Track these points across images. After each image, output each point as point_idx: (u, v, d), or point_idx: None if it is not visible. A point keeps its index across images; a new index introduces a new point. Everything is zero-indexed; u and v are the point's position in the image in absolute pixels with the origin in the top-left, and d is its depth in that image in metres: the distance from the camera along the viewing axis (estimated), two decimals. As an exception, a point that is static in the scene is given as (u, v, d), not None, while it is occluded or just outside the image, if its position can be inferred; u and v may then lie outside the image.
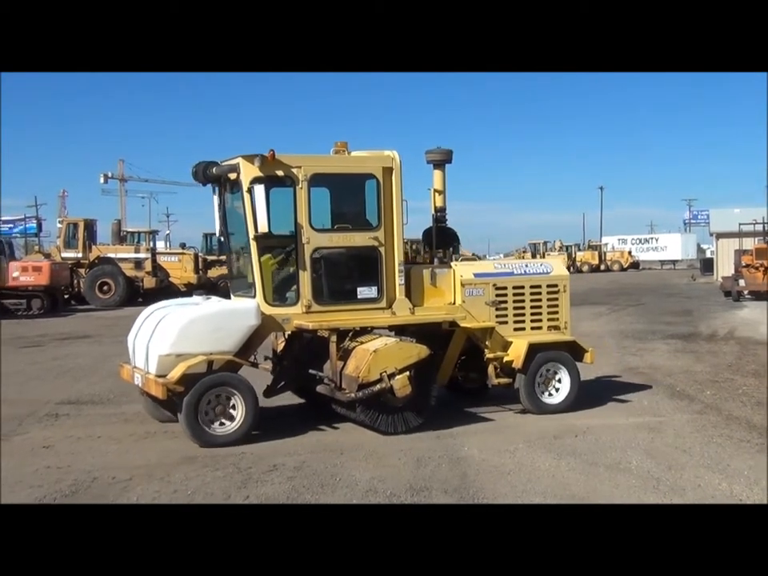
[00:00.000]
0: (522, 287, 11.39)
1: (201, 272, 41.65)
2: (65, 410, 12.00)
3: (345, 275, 10.75)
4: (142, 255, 39.82)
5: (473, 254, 72.85)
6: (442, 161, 11.68)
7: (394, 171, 10.56)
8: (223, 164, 10.32)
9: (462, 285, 11.05)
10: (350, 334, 10.35)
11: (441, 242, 11.74)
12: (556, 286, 11.60)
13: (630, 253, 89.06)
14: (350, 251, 10.65)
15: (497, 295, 11.19)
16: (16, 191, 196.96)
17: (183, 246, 45.80)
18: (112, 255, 39.33)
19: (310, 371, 10.59)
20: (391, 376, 9.83)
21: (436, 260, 11.55)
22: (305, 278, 10.18)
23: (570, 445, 9.61)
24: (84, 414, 11.60)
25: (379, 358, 9.86)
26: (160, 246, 47.42)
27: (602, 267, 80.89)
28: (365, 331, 10.53)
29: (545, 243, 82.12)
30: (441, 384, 11.35)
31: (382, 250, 10.47)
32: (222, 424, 9.67)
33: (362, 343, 10.16)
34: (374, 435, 10.00)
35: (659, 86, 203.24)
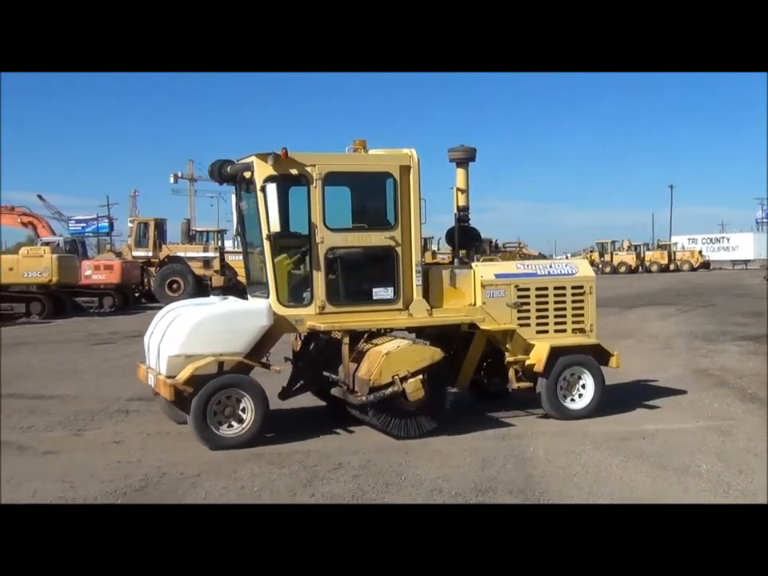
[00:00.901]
0: (546, 288, 10.99)
1: None
2: (135, 406, 12.12)
3: (360, 276, 10.46)
4: (210, 254, 40.16)
5: (539, 254, 72.18)
6: (464, 159, 11.36)
7: (411, 170, 10.26)
8: (238, 163, 10.17)
9: (483, 286, 10.70)
10: (366, 336, 10.12)
11: (463, 241, 11.44)
12: (581, 287, 11.17)
13: (700, 252, 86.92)
14: (366, 251, 10.36)
15: (519, 297, 10.82)
16: (89, 191, 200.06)
17: None
18: (181, 254, 39.86)
19: (324, 373, 10.39)
20: (404, 379, 9.55)
21: (456, 260, 11.28)
22: (319, 279, 9.95)
23: (637, 447, 9.35)
24: (154, 411, 11.53)
25: (391, 360, 9.59)
26: (228, 245, 47.59)
27: (672, 267, 79.17)
28: (381, 333, 10.29)
29: (613, 243, 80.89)
30: (462, 387, 11.08)
31: (398, 249, 10.18)
32: (230, 426, 9.49)
33: (375, 345, 9.92)
34: (441, 434, 9.88)
35: (729, 85, 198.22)
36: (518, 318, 10.82)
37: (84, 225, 72.11)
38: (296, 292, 10.20)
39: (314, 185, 9.86)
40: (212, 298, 10.74)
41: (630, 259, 78.87)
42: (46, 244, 35.66)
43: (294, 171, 9.87)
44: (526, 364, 10.69)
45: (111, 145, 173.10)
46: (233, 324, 9.69)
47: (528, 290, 10.90)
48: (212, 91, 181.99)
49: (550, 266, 11.25)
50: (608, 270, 76.63)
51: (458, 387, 11.08)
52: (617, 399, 11.57)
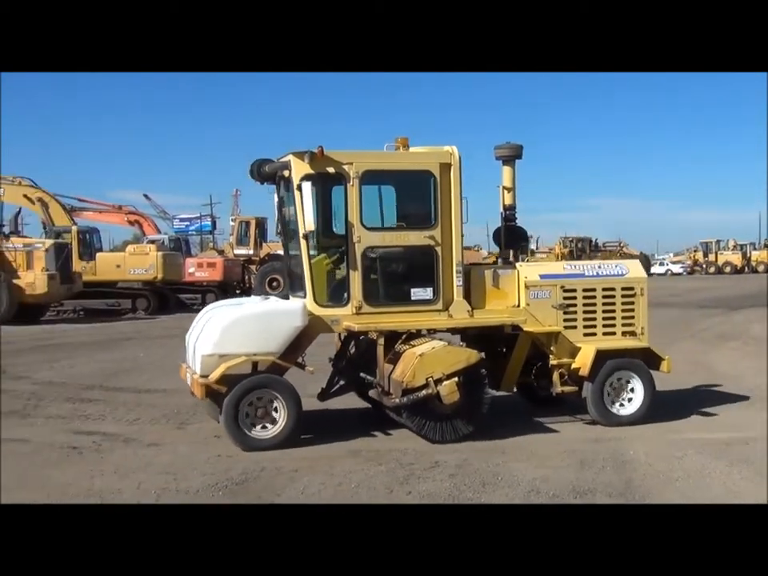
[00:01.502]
0: (594, 290, 10.55)
1: None
2: None
3: (398, 275, 10.21)
4: None
5: (640, 253, 70.46)
6: (511, 156, 11.01)
7: (452, 167, 9.97)
8: (276, 162, 10.09)
9: (527, 287, 10.34)
10: (404, 337, 9.92)
11: (509, 241, 11.12)
12: (632, 288, 10.68)
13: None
14: (404, 251, 10.11)
15: (565, 298, 10.44)
16: (193, 190, 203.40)
17: None
18: (281, 252, 39.81)
19: (361, 374, 10.22)
20: (438, 382, 9.31)
21: (500, 260, 10.98)
22: (355, 278, 9.76)
23: (742, 452, 9.02)
24: None
25: (425, 362, 9.35)
26: None
27: (779, 267, 76.57)
28: (420, 334, 10.07)
29: (717, 242, 78.67)
30: (507, 390, 10.79)
31: (438, 249, 9.91)
32: (264, 427, 9.38)
33: (412, 346, 9.70)
34: (538, 435, 9.88)
35: None
36: (564, 320, 10.42)
37: (188, 223, 73.42)
38: (333, 292, 10.06)
39: (351, 183, 9.69)
40: (252, 298, 10.66)
41: (736, 259, 76.65)
42: (152, 242, 36.31)
43: (331, 170, 9.72)
44: (571, 367, 10.34)
45: (214, 145, 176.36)
46: (267, 324, 9.58)
47: (575, 291, 10.49)
48: (312, 91, 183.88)
49: (599, 267, 10.78)
50: (712, 270, 74.63)
51: (503, 390, 10.80)
52: (722, 403, 11.40)
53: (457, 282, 10.04)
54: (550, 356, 10.33)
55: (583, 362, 10.23)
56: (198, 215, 70.93)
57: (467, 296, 10.20)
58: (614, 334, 10.61)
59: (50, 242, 28.99)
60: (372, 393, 10.08)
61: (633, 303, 10.68)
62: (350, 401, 11.12)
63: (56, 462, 9.05)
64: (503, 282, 10.40)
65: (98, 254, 32.49)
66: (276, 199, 10.63)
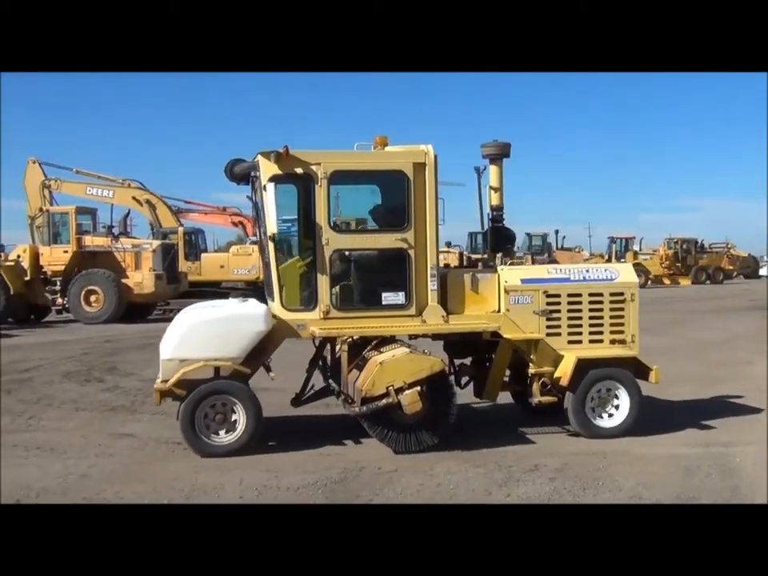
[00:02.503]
0: (579, 295, 9.90)
1: None
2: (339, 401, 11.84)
3: (368, 279, 9.75)
4: None
5: (748, 255, 67.92)
6: (498, 155, 10.46)
7: (427, 167, 9.47)
8: (246, 162, 9.73)
9: (506, 291, 9.75)
10: (374, 343, 9.50)
11: (496, 243, 10.58)
12: (621, 294, 9.99)
13: None
14: (375, 253, 9.70)
15: (548, 303, 9.84)
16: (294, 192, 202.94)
17: (449, 244, 44.98)
18: None
19: (330, 381, 9.84)
20: (399, 391, 8.91)
21: (480, 264, 10.46)
22: (323, 282, 9.34)
23: None
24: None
25: (385, 370, 8.93)
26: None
27: None
28: (394, 339, 9.61)
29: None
30: (491, 399, 10.30)
31: (411, 252, 9.42)
32: (226, 432, 9.10)
33: (381, 353, 9.29)
34: (640, 439, 9.57)
35: None
36: (547, 327, 9.82)
37: (289, 224, 73.32)
38: (303, 296, 9.69)
39: (319, 184, 9.30)
40: (231, 300, 10.35)
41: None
42: (255, 243, 36.24)
43: (298, 170, 9.34)
44: (554, 376, 9.79)
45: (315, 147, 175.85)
46: (227, 328, 9.23)
47: (558, 296, 9.86)
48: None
49: (587, 271, 10.14)
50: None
51: (485, 399, 10.34)
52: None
53: (431, 286, 9.56)
54: (530, 364, 9.79)
55: (564, 371, 9.65)
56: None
57: (444, 301, 9.73)
58: (601, 341, 9.96)
59: (157, 242, 29.57)
60: (341, 401, 9.69)
61: (622, 310, 10.00)
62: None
63: (162, 457, 9.22)
64: (483, 287, 9.87)
65: (202, 255, 32.81)
66: (252, 200, 10.29)
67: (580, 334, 9.93)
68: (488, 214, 10.51)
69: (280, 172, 9.30)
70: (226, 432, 9.11)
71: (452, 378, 10.14)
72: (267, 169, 9.30)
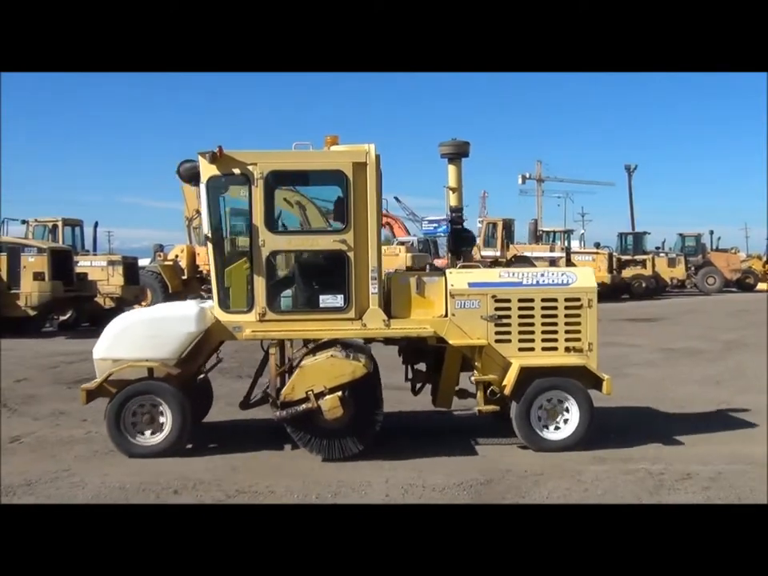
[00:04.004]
0: (531, 300, 9.30)
1: (614, 272, 41.04)
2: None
3: (306, 281, 9.40)
4: (556, 254, 39.48)
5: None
6: (456, 154, 9.97)
7: (368, 167, 9.06)
8: (190, 162, 9.54)
9: (452, 295, 9.23)
10: (312, 346, 9.19)
11: (455, 245, 10.09)
12: (578, 300, 9.30)
13: None
14: (313, 255, 9.36)
15: (497, 308, 9.29)
16: (441, 193, 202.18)
17: (597, 245, 44.53)
18: (528, 254, 39.51)
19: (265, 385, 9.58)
20: (319, 395, 8.59)
21: (428, 266, 9.99)
22: (259, 284, 9.04)
23: None
24: None
25: (305, 374, 8.63)
26: (575, 245, 46.80)
27: None
28: (337, 342, 9.26)
29: None
30: (443, 407, 9.79)
31: (350, 254, 9.05)
32: (152, 433, 8.97)
33: (313, 357, 8.98)
34: None
35: None
36: (496, 333, 9.26)
37: (436, 225, 73.26)
38: (242, 297, 9.43)
39: (255, 184, 9.04)
40: (188, 302, 10.21)
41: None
42: (402, 243, 36.61)
43: (236, 170, 9.08)
44: (501, 384, 9.24)
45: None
46: (158, 330, 9.05)
47: (508, 301, 9.27)
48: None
49: (542, 275, 9.49)
50: None
51: (438, 406, 9.84)
52: None
53: (372, 289, 9.17)
54: (475, 371, 9.28)
55: (508, 379, 9.12)
56: (446, 217, 71.08)
57: (388, 304, 9.33)
58: (555, 349, 9.33)
59: None
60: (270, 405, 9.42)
61: (579, 316, 9.33)
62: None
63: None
64: (429, 291, 9.38)
65: None
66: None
67: (532, 341, 9.32)
68: (447, 216, 10.02)
69: (218, 173, 9.07)
70: (152, 433, 8.98)
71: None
72: (206, 170, 9.10)
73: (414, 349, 9.74)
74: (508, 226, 40.47)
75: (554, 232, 45.40)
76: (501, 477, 8.17)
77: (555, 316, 9.33)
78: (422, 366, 10.06)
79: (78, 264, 26.21)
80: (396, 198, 65.05)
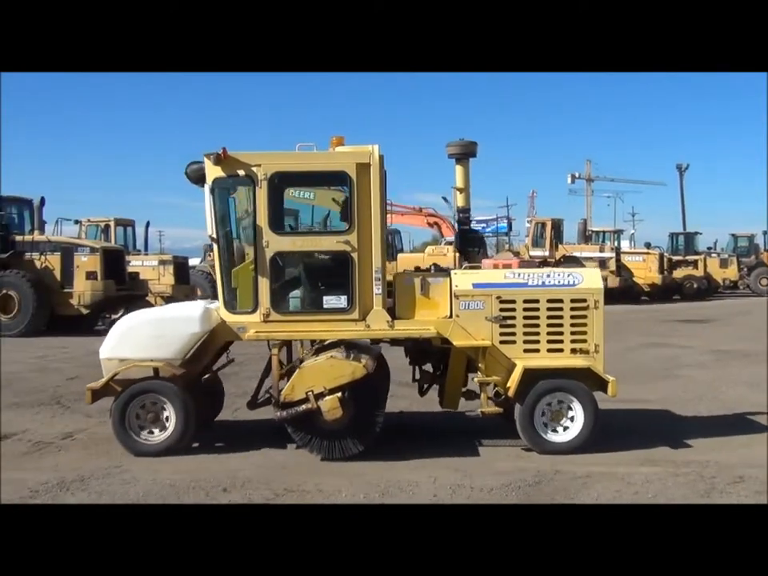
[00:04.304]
0: (537, 301, 9.17)
1: (665, 272, 40.62)
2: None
3: (309, 282, 9.41)
4: (606, 254, 39.04)
5: None
6: (463, 154, 9.89)
7: (372, 168, 9.02)
8: (197, 164, 9.62)
9: (456, 296, 9.15)
10: (314, 347, 9.23)
11: (463, 246, 10.02)
12: (584, 301, 9.16)
13: None
14: (317, 256, 9.39)
15: (501, 309, 9.19)
16: (488, 192, 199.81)
17: (648, 245, 44.13)
18: (577, 254, 39.13)
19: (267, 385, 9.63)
20: (319, 396, 8.61)
21: (432, 267, 9.93)
22: (263, 285, 9.08)
23: None
24: None
25: (305, 375, 8.66)
26: (624, 245, 46.39)
27: None
28: (341, 343, 9.25)
29: None
30: (450, 408, 9.72)
31: (354, 255, 9.04)
32: (160, 431, 9.08)
33: (314, 358, 9.01)
34: None
35: None
36: (501, 334, 9.16)
37: (484, 225, 72.74)
38: (247, 298, 9.48)
39: (259, 185, 9.08)
40: (193, 303, 10.31)
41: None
42: (450, 243, 36.05)
43: (241, 172, 9.14)
44: (506, 386, 9.15)
45: (509, 148, 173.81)
46: (163, 330, 9.14)
47: (513, 302, 9.16)
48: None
49: (548, 276, 9.34)
50: None
51: (446, 408, 9.78)
52: None
53: (375, 290, 9.16)
54: (479, 372, 9.21)
55: (512, 381, 9.03)
56: (494, 216, 70.36)
57: (393, 305, 9.31)
58: (561, 351, 9.20)
59: None
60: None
61: (585, 317, 9.18)
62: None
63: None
64: (434, 291, 9.33)
65: (398, 255, 32.51)
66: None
67: (537, 342, 9.21)
68: (454, 217, 9.98)
69: (223, 174, 9.14)
70: (161, 430, 9.08)
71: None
72: (211, 171, 9.17)
73: (419, 350, 9.69)
74: (557, 225, 40.02)
75: (604, 232, 44.98)
76: (549, 478, 8.07)
77: (561, 317, 9.20)
78: (428, 367, 10.00)
79: (130, 263, 26.68)
80: (444, 198, 64.66)
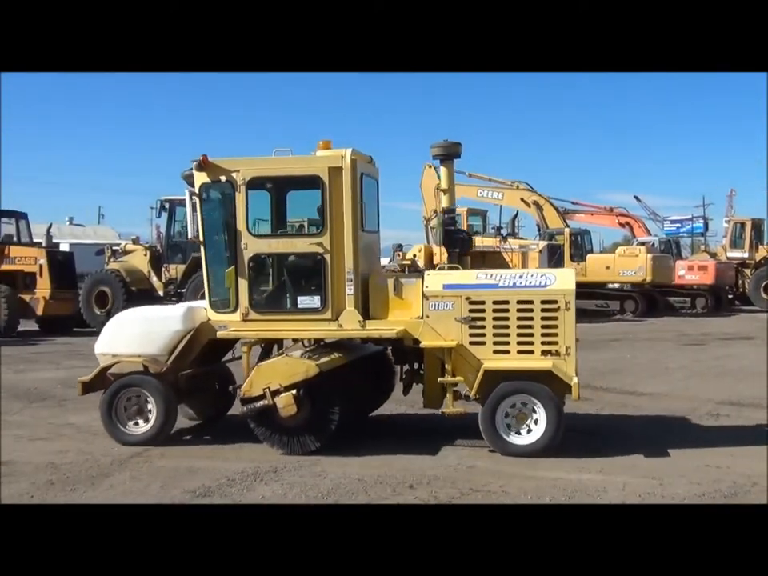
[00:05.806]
0: (506, 302, 8.96)
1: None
2: (725, 411, 11.56)
3: (285, 283, 9.58)
4: None
5: None
6: (447, 155, 9.80)
7: (344, 171, 9.14)
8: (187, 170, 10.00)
9: (426, 297, 9.09)
10: (289, 346, 9.44)
11: (447, 246, 9.93)
12: (555, 302, 8.85)
13: None
14: (292, 258, 9.56)
15: (471, 310, 9.05)
16: (684, 192, 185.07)
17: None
18: None
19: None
20: (275, 393, 8.80)
21: (407, 268, 9.87)
22: (242, 285, 9.36)
23: None
24: (744, 416, 11.16)
25: (262, 372, 8.87)
26: None
27: None
28: (322, 342, 9.47)
29: None
30: (432, 407, 9.65)
31: (327, 257, 9.16)
32: (137, 424, 9.54)
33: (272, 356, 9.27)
34: None
35: None
36: (470, 335, 9.02)
37: (679, 225, 70.30)
38: (231, 298, 9.76)
39: (238, 190, 9.37)
40: (181, 303, 10.80)
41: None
42: (642, 244, 35.17)
43: (222, 177, 9.44)
44: (472, 386, 9.04)
45: (708, 146, 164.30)
46: (150, 327, 9.62)
47: (483, 303, 9.00)
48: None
49: (519, 277, 9.12)
50: None
51: (428, 407, 9.73)
52: None
53: (348, 290, 9.25)
54: (446, 373, 9.13)
55: (475, 382, 8.91)
56: (690, 216, 67.83)
57: (366, 305, 9.39)
58: (531, 352, 8.98)
59: (543, 243, 29.79)
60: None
61: (556, 318, 8.91)
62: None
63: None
64: (407, 292, 9.30)
65: (588, 256, 31.89)
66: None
67: (508, 343, 9.03)
68: (439, 217, 9.92)
69: (208, 180, 9.49)
70: (145, 422, 9.52)
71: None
72: (198, 177, 9.54)
73: (399, 349, 9.72)
74: (757, 226, 37.69)
75: None
76: (746, 490, 7.59)
77: (531, 318, 8.97)
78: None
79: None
80: (636, 198, 62.80)
